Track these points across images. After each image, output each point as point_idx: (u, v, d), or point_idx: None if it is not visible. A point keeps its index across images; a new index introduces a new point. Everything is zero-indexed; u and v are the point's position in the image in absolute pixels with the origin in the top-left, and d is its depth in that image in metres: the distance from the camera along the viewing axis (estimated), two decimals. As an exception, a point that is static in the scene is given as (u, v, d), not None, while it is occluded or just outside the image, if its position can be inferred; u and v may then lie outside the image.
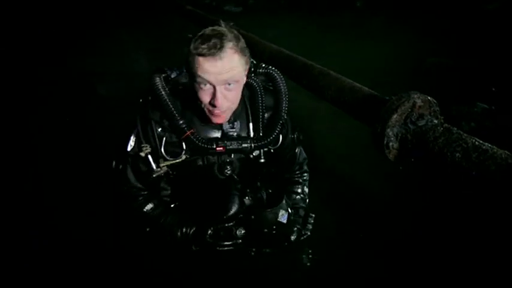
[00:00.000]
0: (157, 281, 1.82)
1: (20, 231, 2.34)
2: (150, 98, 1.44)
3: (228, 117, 1.41)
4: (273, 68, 1.52)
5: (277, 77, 1.50)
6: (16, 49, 5.67)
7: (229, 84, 1.28)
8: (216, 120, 1.37)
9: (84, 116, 3.73)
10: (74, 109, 3.87)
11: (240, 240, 1.39)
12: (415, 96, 1.29)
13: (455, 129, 1.19)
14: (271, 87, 1.53)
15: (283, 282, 1.91)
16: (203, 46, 1.21)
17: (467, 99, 3.60)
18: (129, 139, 1.48)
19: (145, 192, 1.55)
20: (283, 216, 1.35)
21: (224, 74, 1.24)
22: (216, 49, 1.20)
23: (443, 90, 3.87)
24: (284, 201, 1.38)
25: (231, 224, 1.39)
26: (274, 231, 1.35)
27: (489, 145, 1.08)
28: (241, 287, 1.85)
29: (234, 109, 1.41)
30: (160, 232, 1.53)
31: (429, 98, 1.32)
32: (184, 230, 1.49)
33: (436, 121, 1.26)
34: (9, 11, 7.11)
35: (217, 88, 1.26)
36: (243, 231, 1.36)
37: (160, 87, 1.37)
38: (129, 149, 1.47)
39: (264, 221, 1.34)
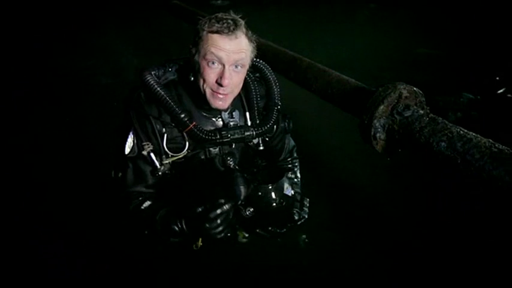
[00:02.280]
0: (157, 276, 1.81)
1: (18, 230, 2.33)
2: (142, 94, 1.41)
3: (229, 103, 1.41)
4: (259, 60, 1.56)
5: (264, 67, 1.55)
6: (6, 48, 5.54)
7: (236, 66, 1.31)
8: (218, 103, 1.36)
9: (78, 115, 3.69)
10: (69, 109, 3.83)
11: (227, 206, 1.24)
12: (401, 87, 1.31)
13: (441, 119, 1.21)
14: (258, 79, 1.57)
15: (279, 269, 1.93)
16: (218, 25, 1.26)
17: (454, 89, 3.64)
18: (125, 141, 1.42)
19: (145, 194, 1.49)
20: (288, 189, 1.36)
21: (235, 54, 1.28)
22: (231, 28, 1.26)
23: (430, 80, 3.91)
24: (285, 177, 1.39)
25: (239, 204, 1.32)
26: (283, 204, 1.33)
27: (473, 134, 1.10)
28: (241, 276, 1.86)
29: (235, 95, 1.41)
30: (158, 231, 1.41)
31: (415, 88, 1.33)
32: (178, 222, 1.35)
33: (421, 111, 1.27)
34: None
35: (227, 67, 1.29)
36: (251, 210, 1.31)
37: (155, 83, 1.36)
38: (127, 151, 1.41)
39: (272, 195, 1.32)
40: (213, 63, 1.28)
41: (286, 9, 7.80)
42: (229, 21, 1.26)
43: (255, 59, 1.54)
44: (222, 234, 1.26)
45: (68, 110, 3.81)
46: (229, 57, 1.27)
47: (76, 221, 2.29)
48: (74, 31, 6.31)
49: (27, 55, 5.29)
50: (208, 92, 1.34)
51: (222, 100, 1.35)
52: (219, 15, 1.30)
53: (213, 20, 1.27)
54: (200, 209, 1.27)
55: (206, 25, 1.28)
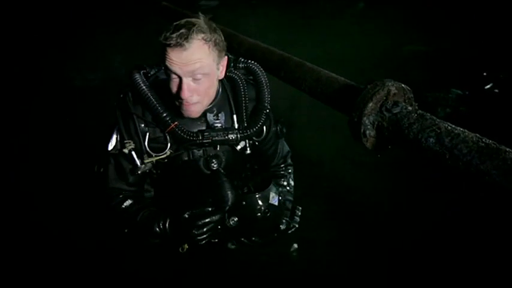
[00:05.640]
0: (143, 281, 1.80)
1: (14, 231, 2.31)
2: (130, 93, 1.41)
3: (200, 111, 1.39)
4: (253, 62, 1.55)
5: (257, 69, 1.54)
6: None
7: (196, 76, 1.27)
8: (187, 113, 1.35)
9: (71, 119, 3.67)
10: (61, 113, 3.80)
11: (216, 217, 1.27)
12: (390, 84, 1.31)
13: (429, 115, 1.22)
14: (251, 81, 1.55)
15: (269, 274, 1.93)
16: (171, 36, 1.22)
17: (443, 85, 3.68)
18: (110, 138, 1.43)
19: (126, 192, 1.50)
20: (274, 199, 1.35)
21: (189, 66, 1.24)
22: (181, 39, 1.21)
23: (420, 77, 3.95)
24: (272, 185, 1.38)
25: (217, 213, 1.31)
26: (268, 214, 1.33)
27: (461, 129, 1.11)
28: (230, 283, 1.86)
29: (207, 103, 1.40)
30: (138, 231, 1.42)
31: (403, 85, 1.34)
32: (161, 224, 1.37)
33: (410, 108, 1.28)
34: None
35: (184, 80, 1.26)
36: (235, 219, 1.31)
37: (140, 82, 1.36)
38: (110, 147, 1.42)
39: (256, 205, 1.31)
40: (173, 75, 1.27)
41: (276, 8, 7.80)
42: (182, 31, 1.22)
43: (249, 61, 1.54)
44: (205, 241, 1.28)
45: (60, 114, 3.78)
46: (183, 69, 1.24)
47: (65, 222, 2.28)
48: (64, 37, 6.25)
49: (16, 62, 5.23)
50: (177, 102, 1.33)
51: (190, 111, 1.35)
52: (180, 22, 1.25)
53: (168, 32, 1.23)
54: (187, 215, 1.28)
55: (163, 36, 1.24)
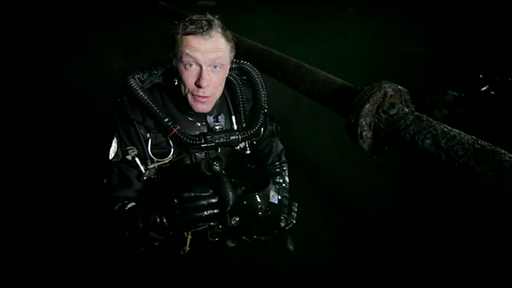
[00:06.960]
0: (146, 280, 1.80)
1: (12, 231, 2.31)
2: (126, 98, 1.40)
3: (211, 106, 1.39)
4: (245, 62, 1.55)
5: (251, 69, 1.55)
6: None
7: (215, 66, 1.30)
8: (199, 107, 1.35)
9: (68, 118, 3.66)
10: (59, 113, 3.79)
11: (214, 200, 1.24)
12: (386, 85, 1.32)
13: (425, 116, 1.22)
14: (245, 81, 1.56)
15: (269, 273, 1.93)
16: (192, 26, 1.25)
17: (440, 87, 3.69)
18: (110, 146, 1.41)
19: (131, 199, 1.45)
20: (274, 197, 1.35)
21: (212, 54, 1.27)
22: (205, 28, 1.25)
23: (417, 78, 3.96)
24: (271, 183, 1.39)
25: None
26: (269, 213, 1.33)
27: (457, 131, 1.11)
28: (231, 280, 1.86)
29: (217, 97, 1.40)
30: (139, 228, 1.33)
31: (400, 87, 1.35)
32: (157, 218, 1.29)
33: (407, 109, 1.29)
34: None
35: (204, 68, 1.28)
36: (237, 219, 1.29)
37: (137, 87, 1.35)
38: (111, 156, 1.41)
39: (257, 204, 1.31)
40: (190, 65, 1.27)
41: (275, 9, 7.82)
42: (203, 21, 1.26)
43: (241, 61, 1.55)
44: (204, 225, 1.25)
45: (58, 113, 3.77)
46: (205, 57, 1.26)
47: (65, 222, 2.27)
48: (63, 36, 6.24)
49: (15, 61, 5.22)
50: (189, 96, 1.33)
51: (205, 103, 1.34)
52: (194, 17, 1.29)
53: (187, 23, 1.27)
54: (177, 200, 1.23)
55: (180, 28, 1.27)
